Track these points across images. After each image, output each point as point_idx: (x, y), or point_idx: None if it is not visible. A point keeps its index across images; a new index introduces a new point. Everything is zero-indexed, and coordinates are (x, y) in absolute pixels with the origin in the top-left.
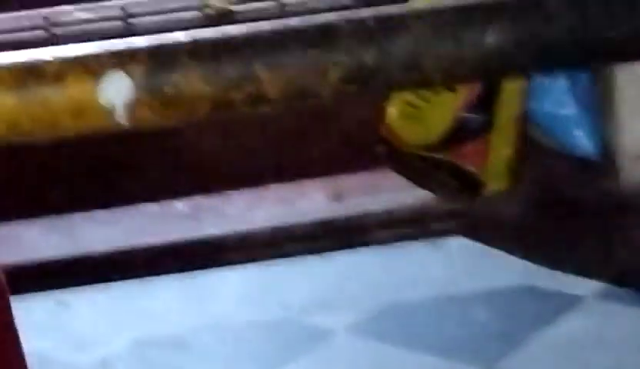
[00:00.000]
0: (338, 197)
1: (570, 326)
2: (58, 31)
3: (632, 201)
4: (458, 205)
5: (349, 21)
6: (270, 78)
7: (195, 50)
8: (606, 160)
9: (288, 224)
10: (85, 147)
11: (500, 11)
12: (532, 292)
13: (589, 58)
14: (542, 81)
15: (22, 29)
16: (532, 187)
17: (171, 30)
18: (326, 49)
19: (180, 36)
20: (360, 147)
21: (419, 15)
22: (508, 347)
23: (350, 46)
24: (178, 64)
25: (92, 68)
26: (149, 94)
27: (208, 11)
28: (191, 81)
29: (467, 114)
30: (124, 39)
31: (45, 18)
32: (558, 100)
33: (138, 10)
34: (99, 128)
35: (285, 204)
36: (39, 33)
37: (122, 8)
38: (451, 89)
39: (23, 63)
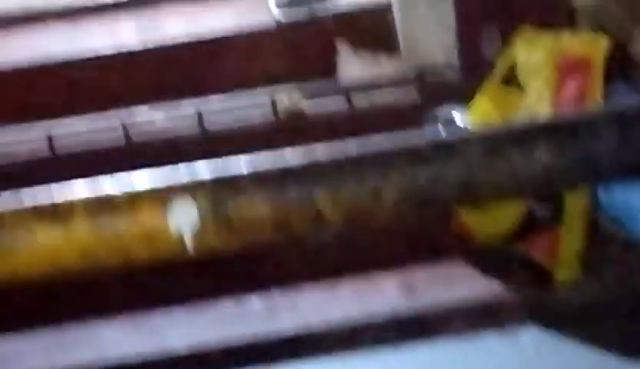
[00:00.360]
0: (410, 289)
1: None
2: (133, 132)
3: None
4: (530, 297)
5: (402, 146)
6: (328, 203)
7: (257, 178)
8: None
9: (361, 318)
10: None
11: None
12: None
13: (634, 175)
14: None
15: (98, 132)
16: (604, 278)
17: (243, 131)
18: (380, 174)
19: (242, 164)
20: (432, 239)
21: (469, 140)
22: None
23: (404, 170)
24: (242, 192)
25: (161, 197)
26: (215, 222)
27: (280, 110)
28: (254, 208)
29: (536, 206)
30: (190, 166)
31: (122, 124)
32: (627, 188)
33: (209, 108)
34: (169, 256)
35: (358, 298)
36: (114, 136)
37: (196, 111)
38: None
39: (96, 195)
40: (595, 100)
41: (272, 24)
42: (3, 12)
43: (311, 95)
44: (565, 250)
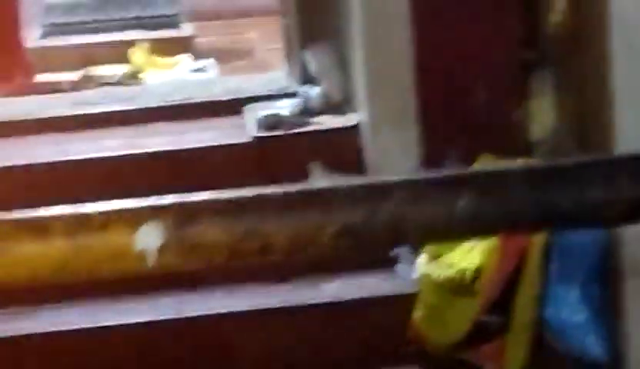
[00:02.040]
0: None
1: None
2: None
3: None
4: None
5: (341, 187)
6: (276, 232)
7: (215, 207)
8: (615, 365)
9: None
10: None
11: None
12: None
13: (544, 224)
14: (556, 288)
15: None
16: None
17: None
18: (323, 210)
19: (203, 194)
20: (389, 347)
21: (401, 184)
22: None
23: (342, 208)
24: (201, 218)
25: (130, 219)
26: (176, 242)
27: None
28: (212, 233)
29: (485, 317)
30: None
31: None
32: (571, 307)
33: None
34: (132, 272)
35: None
36: None
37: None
38: (472, 294)
39: (73, 213)
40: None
41: (249, 141)
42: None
43: None
44: (510, 361)
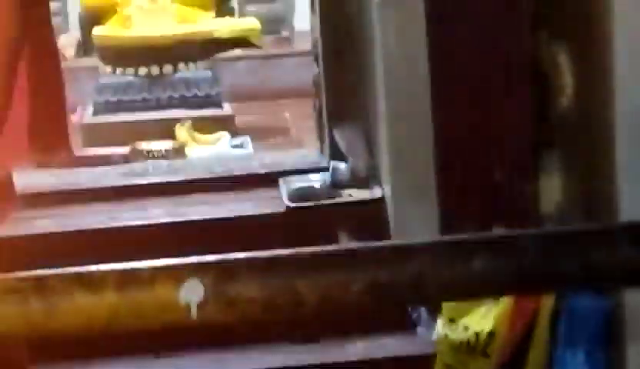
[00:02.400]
0: None
1: None
2: None
3: None
4: None
5: (367, 248)
6: (307, 289)
7: (251, 265)
8: None
9: None
10: None
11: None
12: None
13: (552, 286)
14: (564, 351)
15: None
16: None
17: None
18: (350, 269)
19: (241, 254)
20: None
21: (423, 246)
22: None
23: (368, 267)
24: (239, 276)
25: (175, 275)
26: (216, 297)
27: None
28: (248, 289)
29: None
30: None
31: None
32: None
33: None
34: (177, 323)
35: None
36: None
37: None
38: (485, 356)
39: (123, 269)
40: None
41: (283, 210)
42: (55, 189)
43: None
44: None
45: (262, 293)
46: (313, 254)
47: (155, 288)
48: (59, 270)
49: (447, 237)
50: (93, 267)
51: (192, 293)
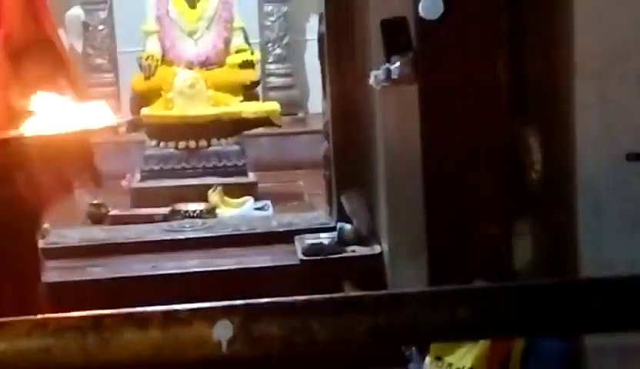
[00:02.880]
0: None
1: None
2: None
3: None
4: None
5: (370, 296)
6: (319, 329)
7: (273, 308)
8: None
9: None
10: None
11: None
12: None
13: (525, 330)
14: None
15: None
16: None
17: None
18: (355, 313)
19: (264, 300)
20: None
21: (416, 296)
22: None
23: (370, 312)
24: (262, 317)
25: (209, 316)
26: (243, 335)
27: None
28: (270, 328)
29: None
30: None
31: None
32: None
33: None
34: (211, 356)
35: None
36: None
37: None
38: None
39: (166, 311)
40: None
41: (298, 263)
42: (107, 242)
43: None
44: None
45: (282, 332)
46: (325, 300)
47: (192, 327)
48: (112, 311)
49: (435, 288)
50: (140, 309)
51: (223, 331)
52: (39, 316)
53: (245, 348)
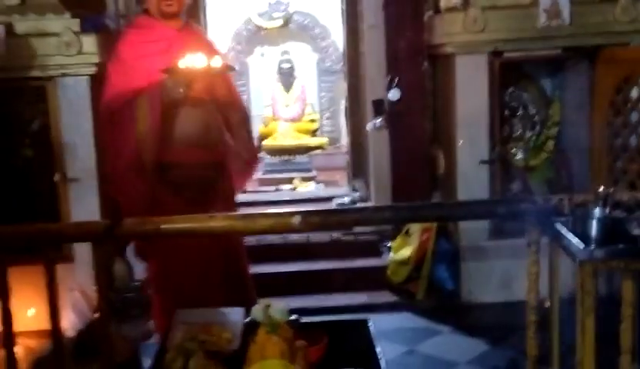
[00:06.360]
0: None
1: None
2: None
3: None
4: None
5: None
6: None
7: (315, 213)
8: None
9: None
10: None
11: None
12: None
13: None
14: (435, 266)
15: None
16: None
17: None
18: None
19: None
20: None
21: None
22: None
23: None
24: (312, 215)
25: (293, 214)
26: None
27: None
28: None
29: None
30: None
31: None
32: (443, 271)
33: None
34: (289, 229)
35: None
36: None
37: None
38: (407, 264)
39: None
40: None
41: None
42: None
43: None
44: (419, 290)
45: (319, 220)
46: (341, 211)
47: (288, 218)
48: (263, 212)
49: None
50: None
51: (297, 219)
52: None
53: (305, 227)
